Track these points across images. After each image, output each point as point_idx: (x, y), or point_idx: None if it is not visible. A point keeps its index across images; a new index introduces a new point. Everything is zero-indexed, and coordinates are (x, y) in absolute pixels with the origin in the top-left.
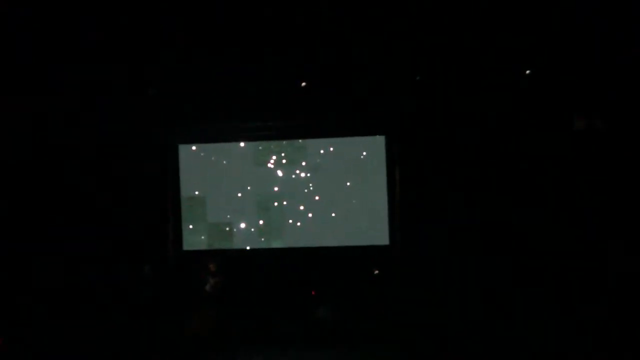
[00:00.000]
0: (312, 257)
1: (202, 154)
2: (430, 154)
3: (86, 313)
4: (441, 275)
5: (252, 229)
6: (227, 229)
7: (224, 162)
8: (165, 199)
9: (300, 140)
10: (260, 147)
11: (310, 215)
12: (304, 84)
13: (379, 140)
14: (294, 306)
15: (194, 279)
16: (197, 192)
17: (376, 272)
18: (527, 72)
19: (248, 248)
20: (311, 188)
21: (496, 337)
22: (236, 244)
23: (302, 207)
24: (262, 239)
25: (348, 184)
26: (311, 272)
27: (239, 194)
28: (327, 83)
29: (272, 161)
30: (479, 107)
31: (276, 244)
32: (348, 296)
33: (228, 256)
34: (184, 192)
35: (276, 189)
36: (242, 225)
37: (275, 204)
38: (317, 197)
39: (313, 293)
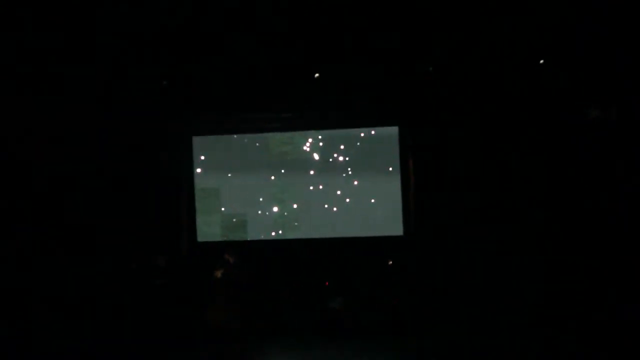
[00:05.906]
0: (326, 247)
1: (234, 137)
2: (443, 144)
3: (100, 305)
4: (455, 265)
5: (286, 213)
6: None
7: (257, 144)
8: (179, 191)
9: None
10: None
11: (347, 200)
12: (317, 75)
13: None
14: (308, 297)
15: (208, 270)
16: (230, 175)
17: (390, 262)
18: (541, 61)
19: (261, 238)
20: (350, 172)
21: (511, 326)
22: (254, 235)
23: (339, 192)
24: (296, 223)
25: (390, 169)
26: (325, 262)
27: (267, 180)
28: (340, 74)
29: (308, 144)
30: (493, 96)
31: (295, 234)
32: (362, 287)
33: (243, 247)
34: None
35: (312, 172)
36: (269, 212)
37: (311, 188)
38: (355, 182)
39: (327, 284)
